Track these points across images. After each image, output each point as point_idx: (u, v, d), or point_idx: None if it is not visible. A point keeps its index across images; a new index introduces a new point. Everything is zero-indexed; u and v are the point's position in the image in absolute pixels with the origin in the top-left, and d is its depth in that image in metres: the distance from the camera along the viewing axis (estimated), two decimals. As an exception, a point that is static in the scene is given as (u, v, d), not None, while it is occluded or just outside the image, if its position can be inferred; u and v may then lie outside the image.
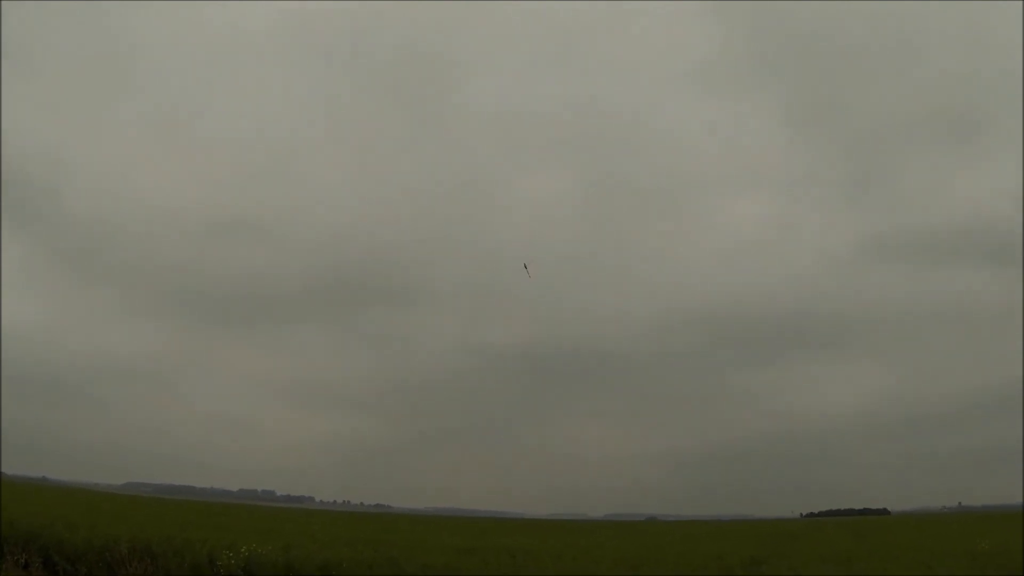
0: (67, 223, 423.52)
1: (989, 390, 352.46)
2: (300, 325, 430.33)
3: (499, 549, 30.29)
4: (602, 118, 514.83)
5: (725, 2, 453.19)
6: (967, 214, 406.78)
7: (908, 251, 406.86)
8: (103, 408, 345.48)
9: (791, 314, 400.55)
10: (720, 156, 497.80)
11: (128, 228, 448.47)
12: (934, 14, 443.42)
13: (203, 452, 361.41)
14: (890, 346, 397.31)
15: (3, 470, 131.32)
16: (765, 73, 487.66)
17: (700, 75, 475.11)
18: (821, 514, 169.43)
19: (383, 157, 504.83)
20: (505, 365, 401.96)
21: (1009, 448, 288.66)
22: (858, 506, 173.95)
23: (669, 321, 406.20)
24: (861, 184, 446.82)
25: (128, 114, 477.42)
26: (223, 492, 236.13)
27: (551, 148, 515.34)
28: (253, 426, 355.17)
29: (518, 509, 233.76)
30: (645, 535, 55.15)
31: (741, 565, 26.13)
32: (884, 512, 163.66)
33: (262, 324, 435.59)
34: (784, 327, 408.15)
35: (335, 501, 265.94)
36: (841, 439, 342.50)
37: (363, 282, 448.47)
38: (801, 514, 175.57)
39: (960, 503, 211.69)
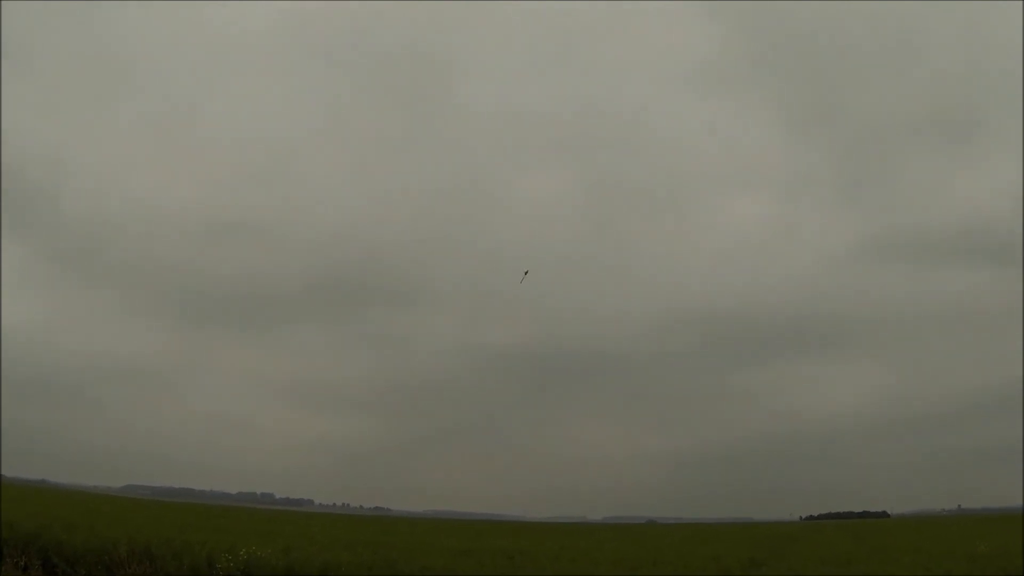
0: (66, 224, 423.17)
1: (989, 391, 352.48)
2: (299, 326, 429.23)
3: (497, 551, 30.33)
4: (601, 118, 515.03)
5: (724, 2, 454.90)
6: (967, 214, 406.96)
7: (908, 251, 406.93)
8: (102, 410, 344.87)
9: (790, 315, 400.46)
10: (719, 156, 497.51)
11: (128, 228, 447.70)
12: (933, 14, 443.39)
13: (202, 454, 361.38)
14: (889, 347, 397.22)
15: (3, 472, 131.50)
16: (764, 73, 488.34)
17: (699, 75, 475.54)
18: (820, 517, 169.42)
19: (383, 157, 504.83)
20: (504, 366, 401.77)
21: (1009, 449, 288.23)
22: (857, 509, 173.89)
23: (668, 321, 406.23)
24: (861, 184, 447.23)
25: (127, 114, 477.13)
26: (222, 495, 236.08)
27: (551, 148, 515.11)
28: (252, 427, 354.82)
29: (516, 511, 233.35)
30: (644, 537, 55.14)
31: (740, 567, 26.18)
32: (884, 515, 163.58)
33: (261, 325, 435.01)
34: (783, 328, 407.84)
35: (334, 504, 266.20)
36: (841, 440, 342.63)
37: (363, 282, 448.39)
38: (800, 517, 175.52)
39: (960, 505, 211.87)
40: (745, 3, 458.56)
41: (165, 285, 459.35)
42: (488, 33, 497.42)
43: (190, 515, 51.20)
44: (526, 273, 44.35)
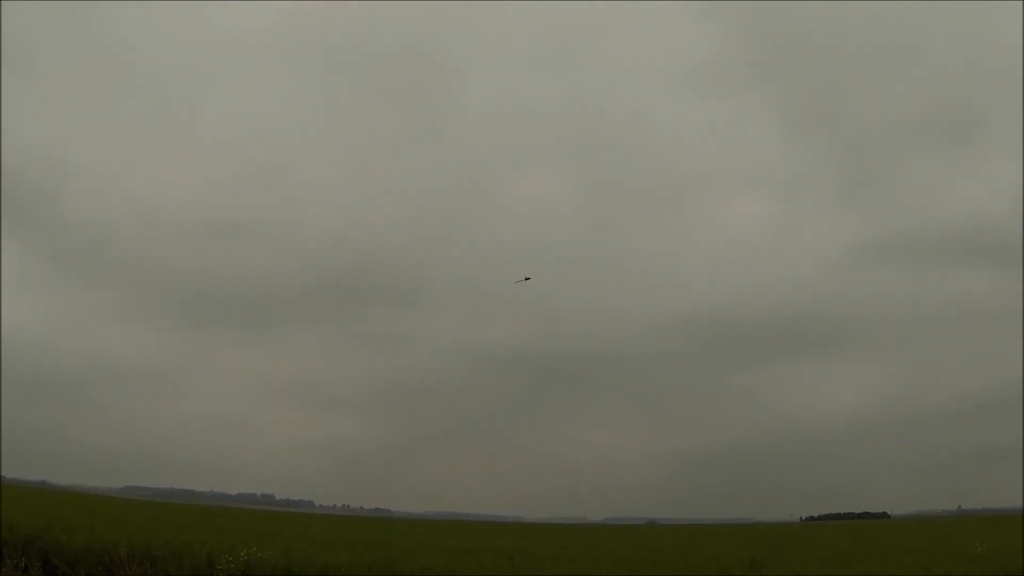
0: (66, 224, 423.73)
1: (989, 391, 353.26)
2: (299, 326, 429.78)
3: (497, 551, 30.34)
4: (601, 119, 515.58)
5: (724, 2, 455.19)
6: (966, 215, 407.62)
7: (907, 251, 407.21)
8: (102, 411, 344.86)
9: (790, 315, 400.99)
10: (719, 157, 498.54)
11: (127, 229, 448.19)
12: (933, 14, 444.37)
13: (202, 455, 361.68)
14: (889, 347, 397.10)
15: (2, 473, 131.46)
16: (764, 73, 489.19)
17: (699, 76, 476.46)
18: (820, 517, 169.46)
19: (382, 158, 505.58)
20: (504, 366, 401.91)
21: (1009, 449, 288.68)
22: (858, 509, 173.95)
23: (668, 322, 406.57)
24: (860, 184, 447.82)
25: (127, 115, 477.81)
26: (222, 496, 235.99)
27: (551, 149, 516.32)
28: (252, 428, 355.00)
29: (516, 512, 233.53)
30: (644, 538, 55.13)
31: (740, 567, 26.21)
32: (884, 515, 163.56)
33: (261, 325, 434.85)
34: (783, 328, 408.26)
35: (334, 505, 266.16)
36: (840, 441, 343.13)
37: (362, 283, 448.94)
38: (800, 517, 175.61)
39: (960, 506, 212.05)
40: (745, 3, 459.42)
41: (165, 285, 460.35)
42: (488, 33, 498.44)
43: (190, 516, 51.18)
44: (527, 279, 44.56)
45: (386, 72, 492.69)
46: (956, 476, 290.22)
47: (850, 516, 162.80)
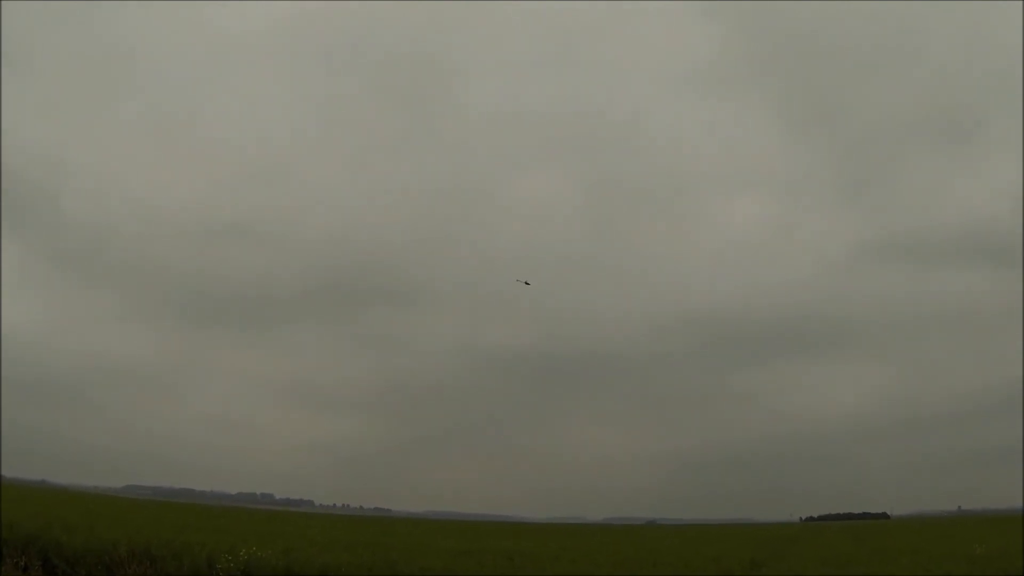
0: (66, 224, 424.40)
1: (989, 392, 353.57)
2: (299, 327, 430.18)
3: (497, 552, 30.34)
4: (601, 119, 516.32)
5: (723, 2, 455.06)
6: (966, 215, 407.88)
7: (907, 252, 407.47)
8: (102, 411, 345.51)
9: (790, 315, 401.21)
10: (719, 157, 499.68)
11: (127, 230, 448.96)
12: (933, 14, 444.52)
13: (202, 455, 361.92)
14: (889, 348, 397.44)
15: (3, 473, 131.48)
16: (764, 74, 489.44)
17: (699, 76, 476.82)
18: (821, 518, 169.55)
19: (382, 158, 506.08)
20: (504, 366, 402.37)
21: (1009, 450, 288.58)
22: (858, 510, 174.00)
23: (668, 322, 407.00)
24: (860, 185, 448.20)
25: (127, 116, 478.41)
26: (222, 495, 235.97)
27: (550, 149, 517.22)
28: (252, 428, 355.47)
29: (517, 512, 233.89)
30: (644, 538, 55.14)
31: (740, 567, 26.21)
32: (884, 516, 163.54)
33: (262, 326, 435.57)
34: (783, 328, 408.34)
35: (334, 504, 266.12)
36: (841, 441, 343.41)
37: (363, 283, 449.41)
38: (800, 518, 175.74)
39: (960, 507, 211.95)
40: (745, 3, 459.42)
41: (165, 286, 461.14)
42: (488, 34, 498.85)
43: (190, 516, 51.18)
44: (527, 283, 44.68)
45: (386, 72, 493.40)
46: (956, 477, 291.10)
47: (850, 517, 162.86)
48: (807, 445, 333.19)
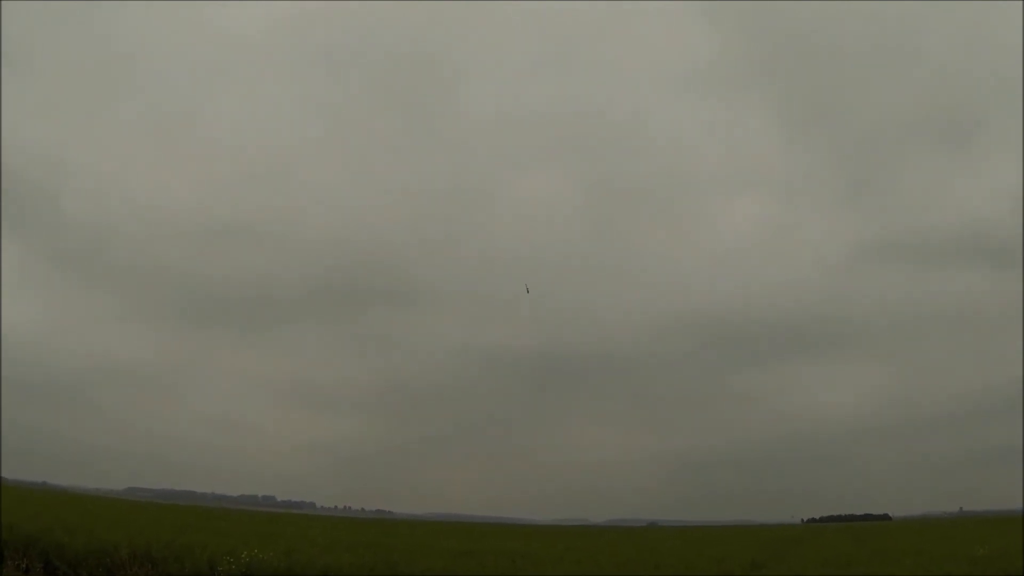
0: (66, 224, 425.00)
1: (989, 392, 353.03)
2: (300, 327, 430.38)
3: (498, 553, 30.32)
4: (601, 120, 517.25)
5: (723, 2, 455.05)
6: (966, 216, 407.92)
7: (907, 253, 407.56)
8: (103, 412, 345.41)
9: (790, 316, 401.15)
10: (719, 158, 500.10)
11: (127, 230, 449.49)
12: (933, 14, 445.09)
13: (203, 456, 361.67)
14: (890, 348, 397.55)
15: (3, 475, 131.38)
16: (764, 75, 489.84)
17: (699, 77, 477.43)
18: (822, 519, 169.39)
19: (382, 159, 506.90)
20: (505, 367, 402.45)
21: (1010, 451, 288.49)
22: (859, 511, 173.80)
23: (668, 323, 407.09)
24: (860, 186, 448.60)
25: (127, 116, 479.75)
26: (223, 497, 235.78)
27: (550, 150, 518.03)
28: (253, 429, 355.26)
29: (518, 514, 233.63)
30: (646, 540, 55.08)
31: (741, 569, 26.19)
32: (885, 517, 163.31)
33: (262, 326, 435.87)
34: (784, 330, 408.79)
35: (336, 506, 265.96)
36: (841, 442, 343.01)
37: (363, 284, 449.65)
38: (802, 519, 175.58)
39: (961, 508, 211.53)
40: (745, 4, 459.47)
41: (165, 286, 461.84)
42: (488, 34, 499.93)
43: (191, 517, 51.12)
44: (528, 291, 45.25)
45: (387, 73, 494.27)
46: (957, 477, 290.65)
47: (851, 518, 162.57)
48: (808, 446, 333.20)
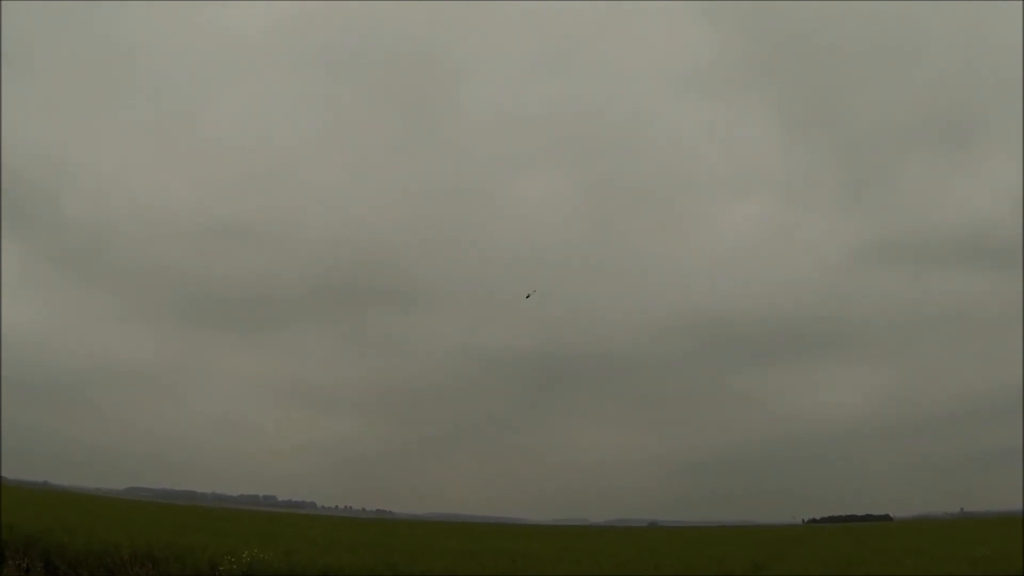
0: (66, 225, 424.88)
1: (990, 393, 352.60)
2: (300, 328, 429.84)
3: (499, 553, 30.34)
4: (601, 121, 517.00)
5: (723, 2, 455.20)
6: (966, 216, 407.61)
7: (907, 254, 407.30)
8: (103, 412, 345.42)
9: (791, 317, 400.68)
10: (719, 159, 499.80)
11: (127, 231, 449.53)
12: (933, 14, 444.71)
13: (204, 456, 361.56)
14: (890, 350, 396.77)
15: (3, 475, 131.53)
16: (764, 75, 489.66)
17: (699, 77, 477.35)
18: (822, 520, 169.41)
19: (382, 160, 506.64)
20: (505, 368, 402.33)
21: (1010, 451, 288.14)
22: (860, 512, 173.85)
23: (669, 324, 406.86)
24: (860, 187, 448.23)
25: (127, 117, 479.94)
26: (224, 497, 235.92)
27: (550, 151, 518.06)
28: (254, 430, 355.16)
29: (519, 514, 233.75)
30: (646, 540, 55.10)
31: (742, 569, 26.21)
32: (886, 518, 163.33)
33: (262, 327, 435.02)
34: (784, 331, 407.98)
35: (336, 506, 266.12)
36: (842, 443, 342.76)
37: (363, 284, 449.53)
38: (802, 520, 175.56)
39: (962, 508, 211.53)
40: (745, 4, 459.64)
41: (165, 287, 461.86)
42: (488, 35, 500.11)
43: (192, 517, 51.16)
44: (527, 296, 45.28)
45: (387, 73, 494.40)
46: (957, 478, 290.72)
47: (852, 518, 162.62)
48: (808, 446, 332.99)
